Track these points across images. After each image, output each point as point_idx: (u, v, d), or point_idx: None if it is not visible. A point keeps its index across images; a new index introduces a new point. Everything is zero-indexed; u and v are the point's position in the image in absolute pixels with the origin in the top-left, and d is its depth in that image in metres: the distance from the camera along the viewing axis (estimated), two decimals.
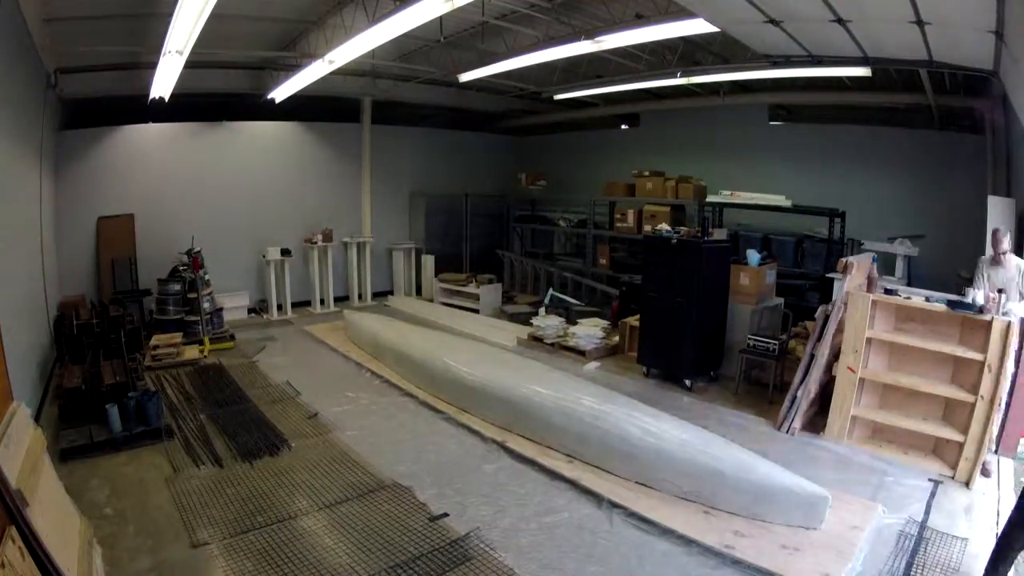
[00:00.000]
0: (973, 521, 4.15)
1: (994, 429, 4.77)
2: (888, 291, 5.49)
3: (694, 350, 6.73)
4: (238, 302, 10.21)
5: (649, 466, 4.49)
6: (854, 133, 9.24)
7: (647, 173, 10.24)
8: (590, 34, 6.41)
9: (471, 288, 11.04)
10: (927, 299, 5.20)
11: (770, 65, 7.02)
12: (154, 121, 9.52)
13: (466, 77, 8.63)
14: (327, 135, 11.50)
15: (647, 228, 9.38)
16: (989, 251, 5.29)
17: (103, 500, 4.27)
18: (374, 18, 5.82)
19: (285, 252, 10.33)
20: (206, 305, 8.54)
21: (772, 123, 10.18)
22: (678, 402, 6.39)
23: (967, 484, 4.62)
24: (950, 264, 7.27)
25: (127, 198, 9.27)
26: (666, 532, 3.99)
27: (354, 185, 11.82)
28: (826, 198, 8.69)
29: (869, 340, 5.28)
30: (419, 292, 12.28)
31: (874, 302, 5.26)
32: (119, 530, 3.93)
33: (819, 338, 5.62)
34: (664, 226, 7.71)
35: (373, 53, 7.04)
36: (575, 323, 8.45)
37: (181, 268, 8.82)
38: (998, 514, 4.19)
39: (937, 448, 5.06)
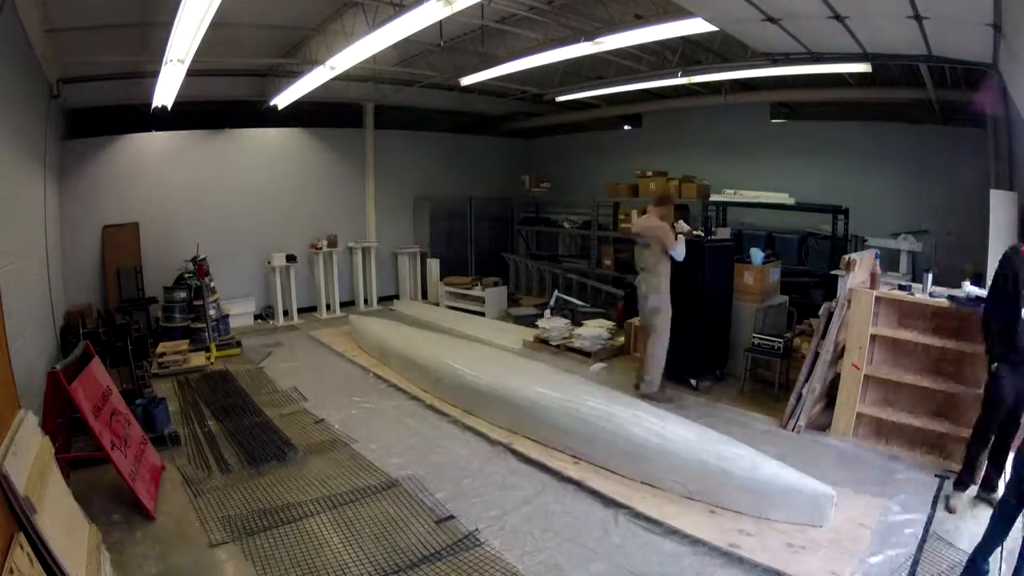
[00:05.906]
0: (979, 516, 4.13)
1: None
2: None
3: (699, 350, 6.73)
4: (244, 308, 10.23)
5: (655, 466, 4.49)
6: (856, 129, 9.20)
7: (650, 173, 10.21)
8: (590, 36, 6.41)
9: (476, 291, 11.05)
10: (931, 294, 5.18)
11: (770, 63, 7.00)
12: (157, 129, 9.57)
13: (467, 81, 8.63)
14: (330, 140, 11.54)
15: None
16: None
17: (111, 506, 4.29)
18: (374, 24, 5.85)
19: (290, 258, 10.37)
20: (212, 312, 8.59)
21: (774, 121, 10.14)
22: (684, 402, 6.39)
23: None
24: (955, 258, 7.24)
25: (132, 207, 9.32)
26: (672, 532, 3.99)
27: (358, 190, 11.85)
28: (829, 195, 8.67)
29: (873, 337, 5.27)
30: (424, 296, 12.29)
31: (877, 299, 5.25)
32: (127, 536, 3.96)
33: (823, 336, 5.60)
34: None
35: (374, 58, 7.06)
36: (580, 324, 8.44)
37: (186, 276, 8.85)
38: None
39: (944, 445, 5.03)
